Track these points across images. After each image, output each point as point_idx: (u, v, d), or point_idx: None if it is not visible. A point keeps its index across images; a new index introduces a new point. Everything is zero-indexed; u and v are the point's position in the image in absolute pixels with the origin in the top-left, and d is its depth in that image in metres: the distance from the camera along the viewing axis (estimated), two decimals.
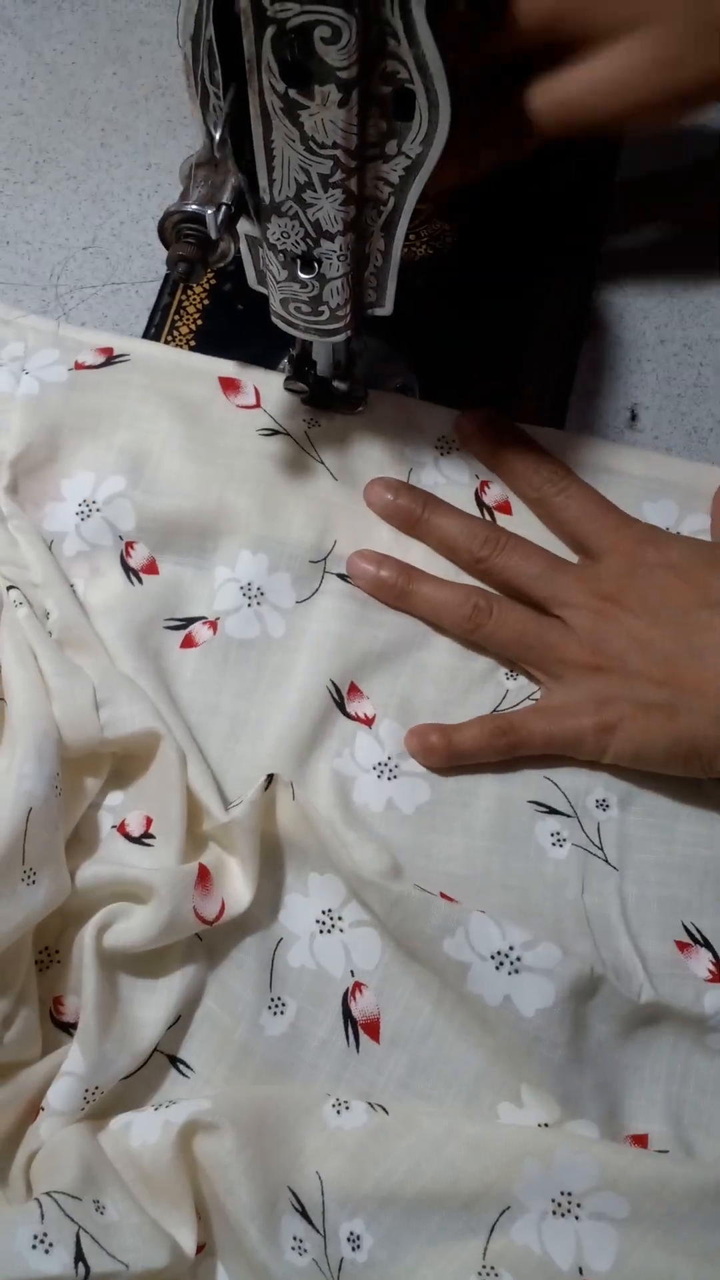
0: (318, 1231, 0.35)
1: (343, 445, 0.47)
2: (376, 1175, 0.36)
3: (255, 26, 0.29)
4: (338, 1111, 0.37)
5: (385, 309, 0.40)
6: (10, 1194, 0.36)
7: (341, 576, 0.45)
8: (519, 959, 0.38)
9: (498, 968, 0.38)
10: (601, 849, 0.42)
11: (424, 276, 0.50)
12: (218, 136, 0.34)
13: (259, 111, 0.32)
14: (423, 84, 0.31)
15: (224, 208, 0.35)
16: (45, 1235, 0.32)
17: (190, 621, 0.44)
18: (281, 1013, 0.39)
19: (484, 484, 0.47)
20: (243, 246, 0.38)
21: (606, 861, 0.42)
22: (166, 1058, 0.39)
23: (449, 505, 0.46)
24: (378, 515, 0.46)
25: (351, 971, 0.40)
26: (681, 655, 0.40)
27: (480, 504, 0.46)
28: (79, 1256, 0.32)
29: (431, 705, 0.44)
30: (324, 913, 0.40)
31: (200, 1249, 0.35)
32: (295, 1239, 0.35)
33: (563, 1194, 0.35)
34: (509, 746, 0.42)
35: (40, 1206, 0.32)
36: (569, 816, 0.42)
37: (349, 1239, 0.35)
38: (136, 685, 0.41)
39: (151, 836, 0.40)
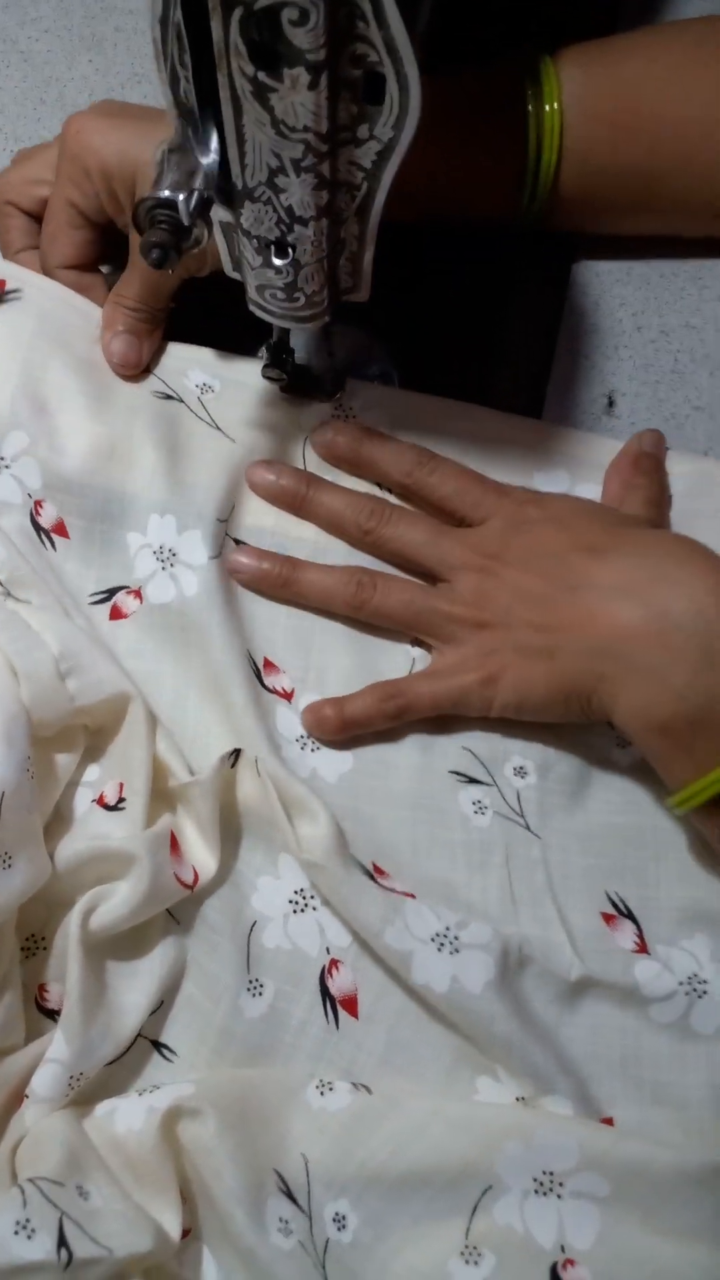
0: (303, 1212, 0.35)
1: (241, 409, 0.47)
2: (361, 1156, 0.36)
3: (223, 9, 0.29)
4: (321, 1093, 0.37)
5: (362, 295, 0.40)
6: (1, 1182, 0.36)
7: (238, 542, 0.45)
8: (457, 938, 0.38)
9: (439, 949, 0.38)
10: (522, 816, 0.42)
11: (400, 263, 0.49)
12: (188, 121, 0.34)
13: (229, 95, 0.31)
14: (393, 67, 0.30)
15: (196, 193, 0.35)
16: (28, 1221, 0.32)
17: (113, 592, 0.45)
18: (260, 994, 0.39)
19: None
20: (217, 233, 0.38)
21: (528, 829, 0.42)
22: (150, 1042, 0.39)
23: (332, 483, 0.46)
24: (261, 497, 0.46)
25: (327, 949, 0.40)
26: (557, 598, 0.40)
27: None
28: (62, 1242, 0.32)
29: (346, 674, 0.44)
30: (296, 892, 0.41)
31: (185, 1234, 0.35)
32: (281, 1220, 0.35)
33: (544, 1173, 0.35)
34: (399, 710, 0.42)
35: (23, 1193, 0.32)
36: (489, 785, 0.43)
37: (334, 1219, 0.35)
38: (99, 645, 0.41)
39: (124, 800, 0.40)
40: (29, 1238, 0.31)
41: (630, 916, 0.41)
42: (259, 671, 0.44)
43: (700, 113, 0.44)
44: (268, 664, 0.44)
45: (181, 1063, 0.39)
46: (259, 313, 0.40)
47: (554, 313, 0.50)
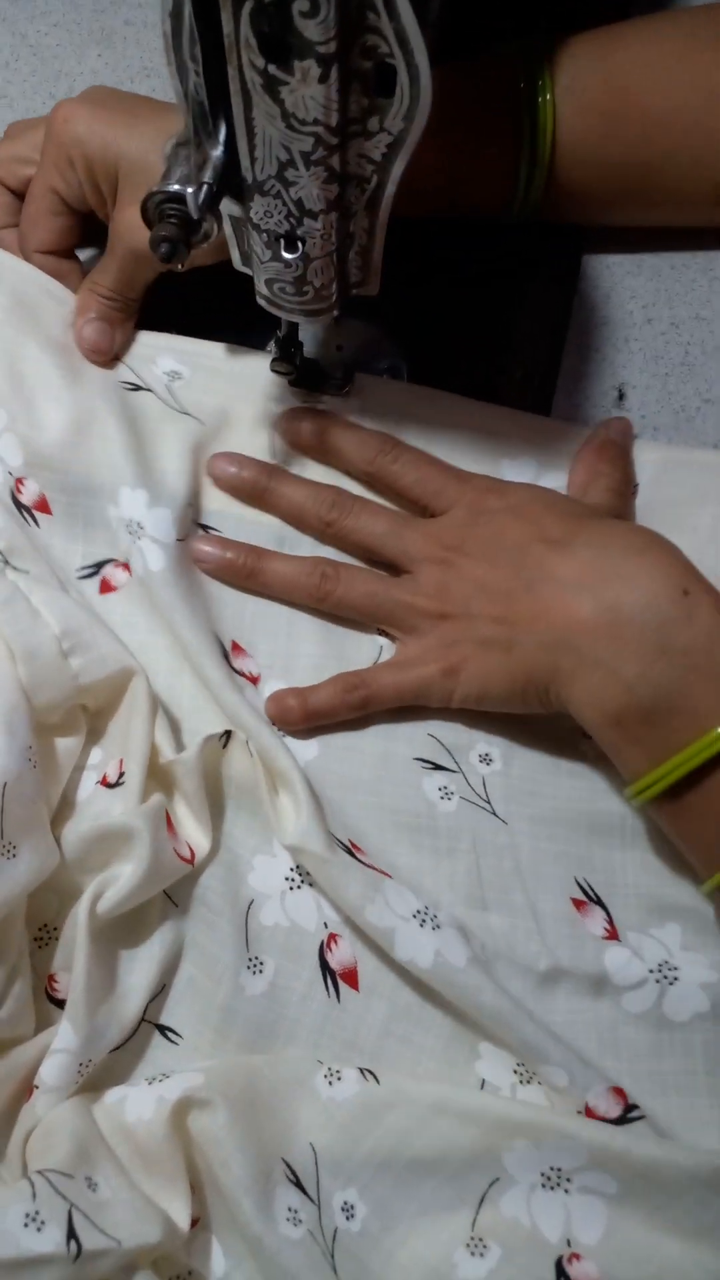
0: (312, 1201, 0.35)
1: (210, 396, 0.47)
2: (369, 1145, 0.36)
3: (233, 2, 0.29)
4: (330, 1083, 0.37)
5: (372, 289, 0.40)
6: (8, 1172, 0.36)
7: (204, 527, 0.45)
8: (436, 915, 0.38)
9: (420, 925, 0.38)
10: (489, 802, 0.42)
11: (410, 256, 0.49)
12: (197, 114, 0.33)
13: (239, 88, 0.31)
14: (404, 58, 0.30)
15: (205, 187, 0.35)
16: (37, 1214, 0.32)
17: (100, 566, 0.45)
18: (261, 971, 0.40)
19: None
20: (226, 227, 0.38)
21: (495, 814, 0.42)
22: (154, 1026, 0.40)
23: (294, 475, 0.46)
24: (222, 489, 0.46)
25: (325, 924, 0.40)
26: (517, 591, 0.40)
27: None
28: (71, 1234, 0.32)
29: (312, 661, 0.44)
30: (293, 869, 0.41)
31: (194, 1223, 0.35)
32: (290, 1210, 0.35)
33: (552, 1169, 0.35)
34: (362, 701, 0.43)
35: (32, 1185, 0.32)
36: (454, 771, 0.43)
37: (343, 1208, 0.36)
38: (99, 621, 0.42)
39: (124, 774, 0.40)
40: (39, 1230, 0.31)
41: (600, 903, 0.41)
42: (227, 655, 0.44)
43: (690, 103, 0.44)
44: (235, 647, 0.44)
45: (186, 1044, 0.39)
46: (268, 307, 0.40)
47: (564, 305, 0.50)
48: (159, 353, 0.47)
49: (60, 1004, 0.39)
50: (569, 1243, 0.35)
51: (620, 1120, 0.36)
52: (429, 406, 0.47)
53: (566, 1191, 0.35)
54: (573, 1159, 0.35)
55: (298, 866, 0.41)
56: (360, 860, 0.40)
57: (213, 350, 0.48)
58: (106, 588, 0.45)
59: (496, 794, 0.42)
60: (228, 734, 0.41)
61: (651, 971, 0.39)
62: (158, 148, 0.42)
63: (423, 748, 0.43)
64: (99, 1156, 0.35)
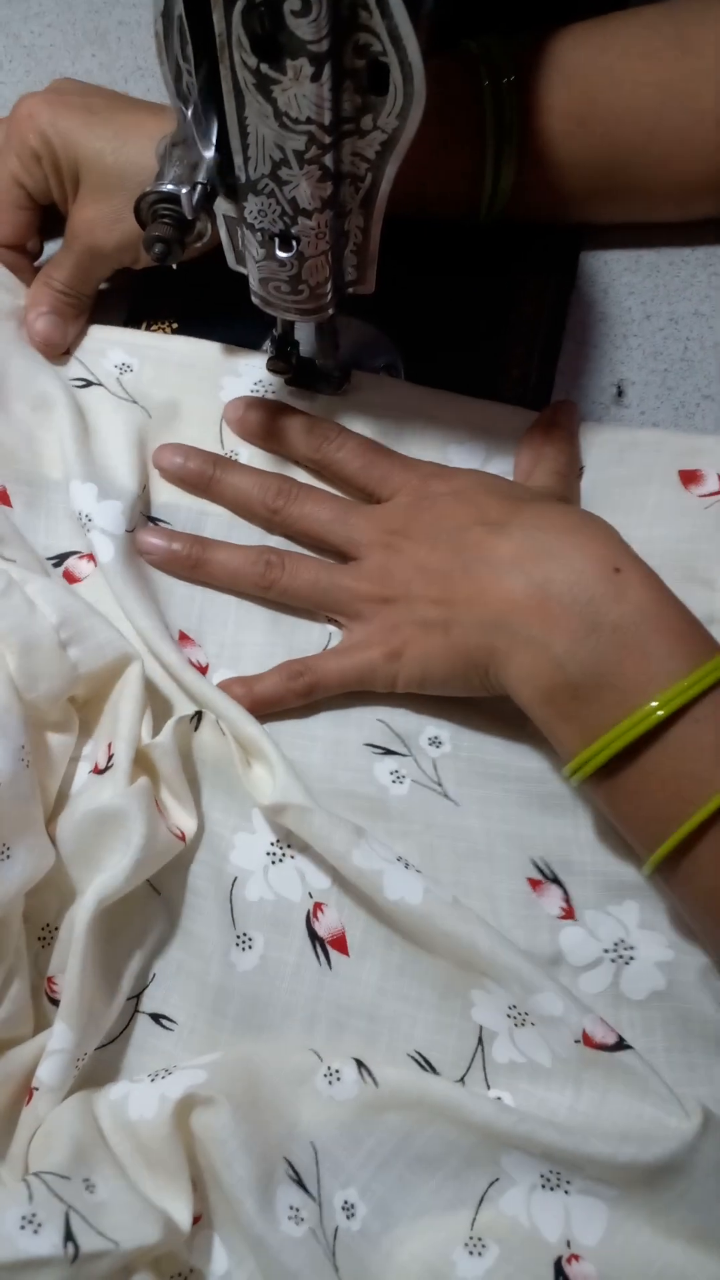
0: (314, 1200, 0.35)
1: (159, 388, 0.47)
2: (370, 1144, 0.36)
3: (225, 1, 0.29)
4: (330, 1082, 0.37)
5: (367, 287, 0.40)
6: (10, 1174, 0.36)
7: (154, 520, 0.46)
8: (410, 864, 0.39)
9: (406, 867, 0.39)
10: (440, 785, 0.42)
11: (406, 254, 0.49)
12: (190, 114, 0.33)
13: (231, 88, 0.31)
14: (396, 56, 0.30)
15: (199, 187, 0.35)
16: (34, 1216, 0.32)
17: (64, 558, 0.45)
18: (250, 947, 0.40)
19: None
20: (220, 226, 0.38)
21: (447, 796, 0.42)
22: (148, 1017, 0.40)
23: (240, 464, 0.46)
24: (168, 481, 0.46)
25: (310, 894, 0.41)
26: (455, 572, 0.41)
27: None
28: (68, 1236, 0.32)
29: (261, 650, 0.45)
30: (273, 844, 0.41)
31: (196, 1220, 0.35)
32: (292, 1208, 0.35)
33: (551, 1171, 0.35)
34: (307, 688, 0.43)
35: (29, 1187, 0.32)
36: (405, 755, 0.43)
37: (344, 1207, 0.36)
38: (94, 609, 0.42)
39: (113, 757, 0.40)
40: (35, 1232, 0.31)
41: (557, 881, 0.41)
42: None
43: (654, 101, 0.44)
44: (182, 637, 0.45)
45: (182, 1029, 0.40)
46: (263, 306, 0.40)
47: (562, 301, 0.50)
48: (109, 346, 0.48)
49: (57, 1004, 0.39)
50: (568, 1243, 0.35)
51: (615, 1047, 0.36)
52: (426, 404, 0.47)
53: (566, 1192, 0.35)
54: (571, 1165, 0.35)
55: (278, 840, 0.41)
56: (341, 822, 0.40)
57: (163, 343, 0.48)
58: (71, 579, 0.45)
59: (448, 776, 0.43)
60: (197, 716, 0.42)
61: (606, 951, 0.39)
62: (114, 147, 0.43)
63: (373, 733, 0.43)
64: (97, 1158, 0.35)
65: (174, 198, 0.34)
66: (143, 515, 0.46)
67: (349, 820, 0.39)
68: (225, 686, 0.43)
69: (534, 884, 0.41)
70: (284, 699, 0.43)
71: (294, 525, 0.45)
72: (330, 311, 0.40)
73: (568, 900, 0.40)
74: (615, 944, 0.39)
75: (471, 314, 0.49)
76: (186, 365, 0.48)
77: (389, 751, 0.43)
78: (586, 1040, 0.36)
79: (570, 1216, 0.35)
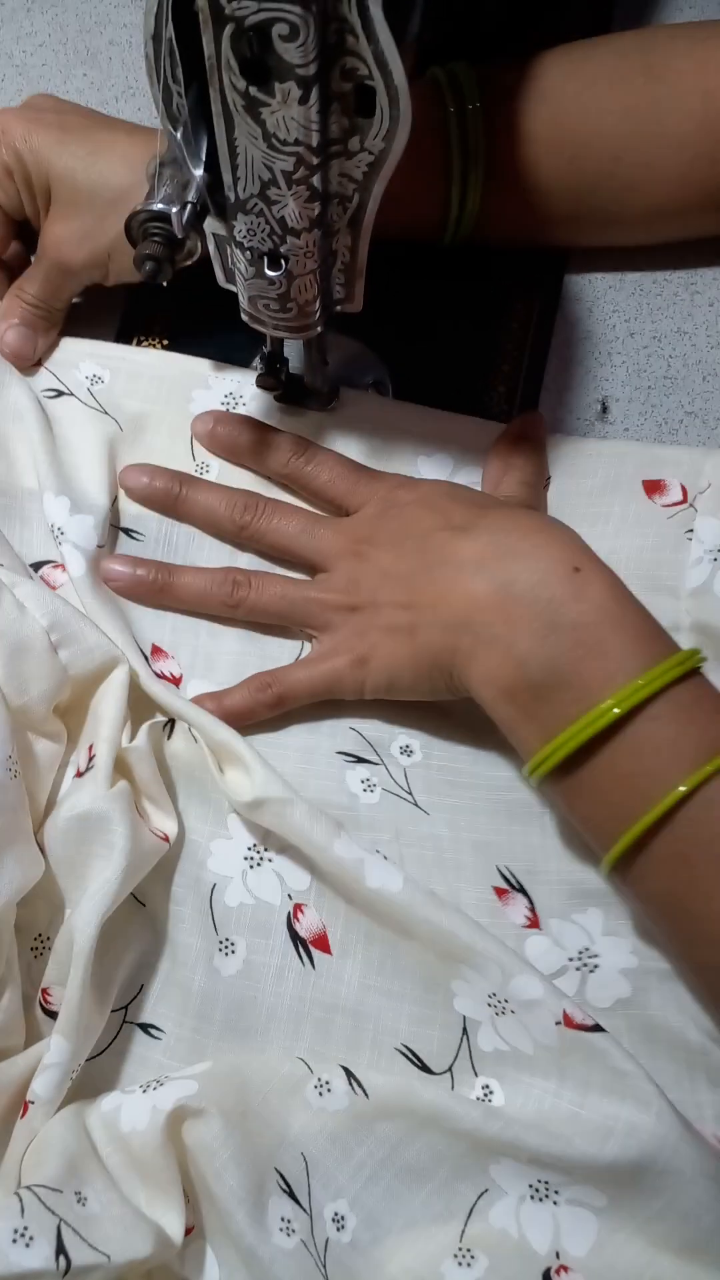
0: (305, 1211, 0.36)
1: (130, 400, 0.48)
2: (359, 1156, 0.36)
3: (214, 25, 0.29)
4: (320, 1094, 0.37)
5: (355, 306, 0.40)
6: (3, 1187, 0.36)
7: (126, 531, 0.46)
8: (386, 856, 0.39)
9: (385, 857, 0.39)
10: (410, 794, 0.43)
11: (394, 272, 0.50)
12: (180, 134, 0.34)
13: (221, 109, 0.32)
14: (382, 80, 0.31)
15: (189, 206, 0.35)
16: (25, 1229, 0.32)
17: (39, 566, 0.46)
18: (233, 952, 0.40)
19: None
20: (210, 245, 0.38)
21: (416, 805, 0.43)
22: (137, 1026, 0.40)
23: (206, 481, 0.47)
24: (135, 501, 0.47)
25: (289, 895, 0.41)
26: (419, 575, 0.41)
27: None
28: (60, 1249, 0.32)
29: (234, 659, 0.45)
30: (250, 848, 0.42)
31: (189, 1231, 0.35)
32: (283, 1220, 0.35)
33: (540, 1181, 0.35)
34: (276, 700, 0.43)
35: (20, 1201, 0.32)
36: (376, 764, 0.43)
37: (334, 1219, 0.36)
38: (80, 613, 0.42)
39: (94, 758, 0.41)
40: (27, 1246, 0.31)
41: (522, 890, 0.41)
42: (147, 658, 0.45)
43: (620, 128, 0.45)
44: (155, 650, 0.45)
45: (169, 1037, 0.40)
46: (253, 324, 0.40)
47: (547, 319, 0.50)
48: (81, 358, 0.48)
49: (54, 1015, 0.39)
50: (557, 1254, 0.35)
51: (595, 1029, 0.37)
52: (413, 421, 0.47)
53: (555, 1203, 0.35)
54: (559, 1174, 0.35)
55: (255, 844, 0.42)
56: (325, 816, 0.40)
57: (133, 355, 0.49)
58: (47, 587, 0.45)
59: (418, 785, 0.43)
60: (170, 724, 0.42)
61: (571, 960, 0.40)
62: (85, 165, 0.44)
63: (345, 741, 0.44)
64: (89, 1171, 0.35)
65: (164, 216, 0.35)
66: (114, 527, 0.46)
67: (329, 816, 0.40)
68: (197, 702, 0.43)
69: (500, 893, 0.41)
70: (254, 712, 0.43)
71: (262, 539, 0.45)
72: (318, 329, 0.40)
73: (533, 909, 0.41)
74: (580, 952, 0.40)
75: (458, 331, 0.50)
76: (157, 377, 0.48)
77: (361, 760, 0.43)
78: (567, 1021, 0.37)
79: (559, 1227, 0.35)
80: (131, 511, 0.47)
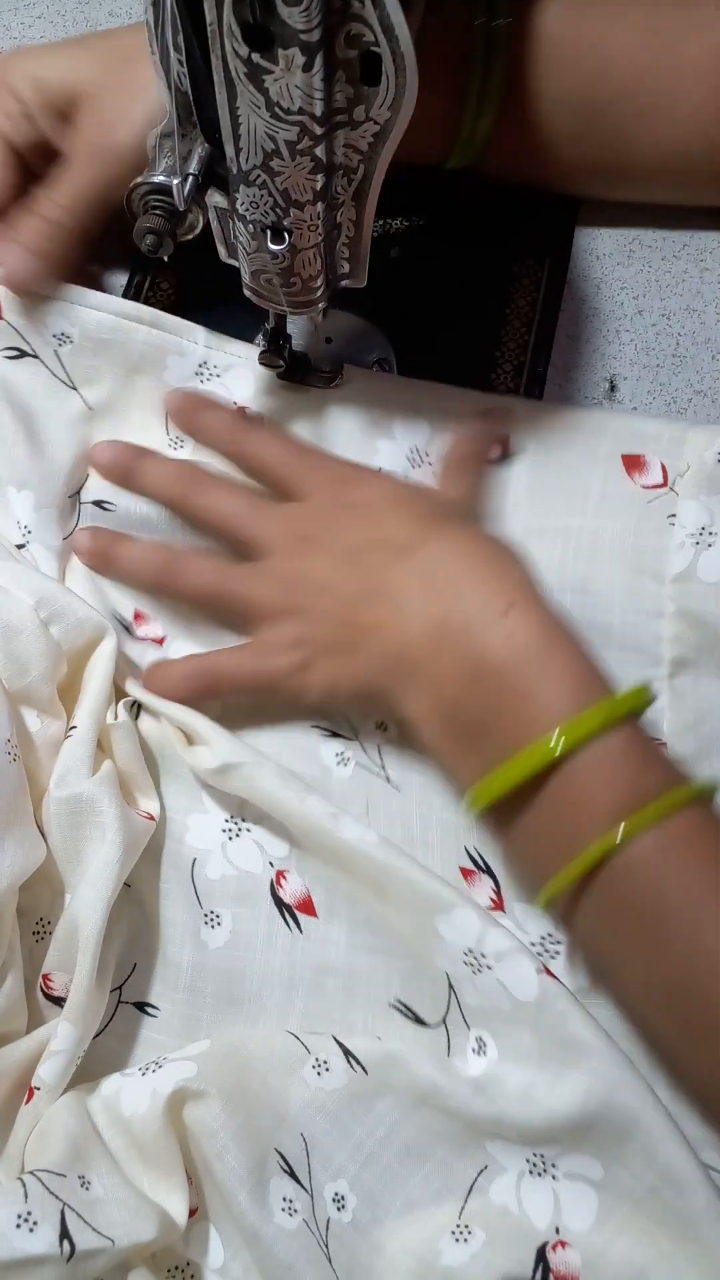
0: (306, 1190, 0.35)
1: (99, 373, 0.46)
2: (358, 1135, 0.36)
3: None
4: (318, 1073, 0.37)
5: (359, 281, 0.40)
6: (6, 1173, 0.36)
7: (98, 504, 0.45)
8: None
9: (354, 819, 0.39)
10: (384, 769, 0.43)
11: (399, 247, 0.49)
12: (183, 105, 0.33)
13: (223, 78, 0.31)
14: (388, 47, 0.30)
15: (191, 178, 0.34)
16: (29, 1214, 0.32)
17: (21, 546, 0.45)
18: (219, 924, 0.40)
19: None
20: (212, 219, 0.38)
21: (389, 781, 0.42)
22: (133, 1006, 0.40)
23: (157, 454, 0.45)
24: (102, 476, 0.45)
25: (270, 863, 0.41)
26: (361, 600, 0.40)
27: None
28: (64, 1234, 0.32)
29: (216, 624, 0.45)
30: (228, 820, 0.42)
31: (192, 1213, 0.35)
32: (285, 1200, 0.35)
33: (536, 1154, 0.35)
34: (206, 689, 0.42)
35: (24, 1186, 0.32)
36: (350, 739, 0.43)
37: (334, 1199, 0.36)
38: (64, 587, 0.42)
39: (74, 727, 0.40)
40: (31, 1230, 0.31)
41: (489, 871, 0.41)
42: (129, 626, 0.44)
43: (640, 46, 0.44)
44: (138, 615, 0.45)
45: (165, 1014, 0.40)
46: (255, 299, 0.40)
47: (554, 296, 0.50)
48: (47, 313, 0.45)
49: (55, 1000, 0.39)
50: (557, 1230, 0.35)
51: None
52: (417, 397, 0.47)
53: (555, 1178, 0.35)
54: (553, 1147, 0.35)
55: (231, 816, 0.42)
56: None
57: (104, 310, 0.45)
58: None
59: (391, 760, 0.43)
60: (136, 706, 0.42)
61: (533, 944, 0.39)
62: (99, 51, 0.44)
63: (321, 714, 0.43)
64: (93, 1155, 0.35)
65: (166, 189, 0.34)
66: (90, 504, 0.45)
67: (300, 778, 0.40)
68: (149, 670, 0.43)
69: (466, 873, 0.41)
70: (186, 698, 0.42)
71: (199, 515, 0.44)
72: (322, 305, 0.40)
73: (498, 891, 0.41)
74: (543, 937, 0.40)
75: (464, 308, 0.49)
76: (126, 340, 0.45)
77: (335, 734, 0.43)
78: (547, 972, 0.36)
79: (559, 1202, 0.35)
80: (100, 484, 0.46)
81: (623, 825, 0.34)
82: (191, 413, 0.45)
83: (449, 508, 0.43)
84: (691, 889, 0.34)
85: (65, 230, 0.44)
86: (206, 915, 0.41)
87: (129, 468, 0.45)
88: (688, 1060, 0.36)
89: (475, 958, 0.37)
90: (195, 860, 0.41)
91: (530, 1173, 0.35)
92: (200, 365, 0.46)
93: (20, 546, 0.44)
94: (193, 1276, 0.36)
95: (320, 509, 0.43)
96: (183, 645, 0.44)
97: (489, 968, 0.36)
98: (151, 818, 0.41)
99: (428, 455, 0.46)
